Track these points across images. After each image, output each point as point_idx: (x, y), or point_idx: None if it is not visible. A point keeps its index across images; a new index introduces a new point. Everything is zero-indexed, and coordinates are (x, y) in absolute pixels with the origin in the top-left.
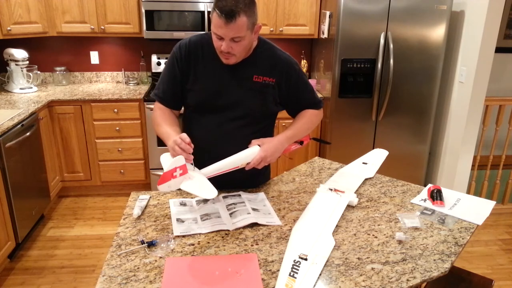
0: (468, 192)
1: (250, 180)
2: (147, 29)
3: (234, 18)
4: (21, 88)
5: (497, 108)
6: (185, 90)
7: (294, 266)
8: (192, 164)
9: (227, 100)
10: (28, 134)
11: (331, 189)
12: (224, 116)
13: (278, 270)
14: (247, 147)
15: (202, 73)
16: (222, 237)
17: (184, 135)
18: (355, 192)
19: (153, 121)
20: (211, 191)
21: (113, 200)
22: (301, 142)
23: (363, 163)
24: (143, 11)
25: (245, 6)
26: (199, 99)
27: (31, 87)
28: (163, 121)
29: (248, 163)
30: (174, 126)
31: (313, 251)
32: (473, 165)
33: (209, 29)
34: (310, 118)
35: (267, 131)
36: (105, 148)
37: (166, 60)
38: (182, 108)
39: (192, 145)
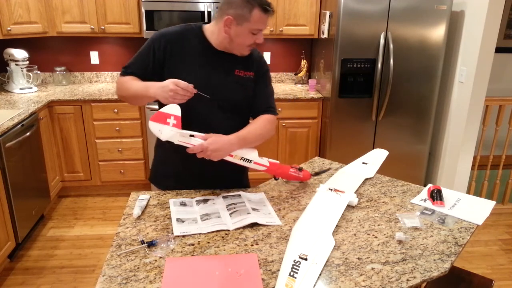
0: (468, 192)
1: (226, 177)
2: (147, 29)
3: (273, 10)
4: (21, 88)
5: (497, 108)
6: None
7: (294, 266)
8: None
9: (209, 91)
10: (28, 134)
11: (331, 189)
12: (207, 109)
13: (278, 270)
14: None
15: (185, 66)
16: (222, 237)
17: (183, 82)
18: (355, 192)
19: (120, 87)
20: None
21: (113, 200)
22: (300, 168)
23: (363, 163)
24: (143, 11)
25: None
26: None
27: (31, 87)
28: (134, 81)
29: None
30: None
31: (313, 251)
32: (473, 165)
33: None
34: (264, 124)
35: None
36: (105, 148)
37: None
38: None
39: (191, 87)
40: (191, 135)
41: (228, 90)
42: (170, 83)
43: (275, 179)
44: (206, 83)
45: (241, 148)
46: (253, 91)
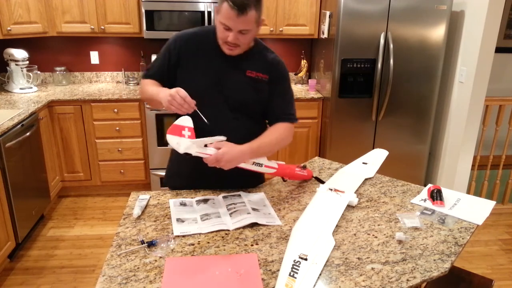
0: (468, 192)
1: (243, 180)
2: (147, 29)
3: (245, 12)
4: (21, 88)
5: (497, 108)
6: (178, 81)
7: (294, 266)
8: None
9: (220, 92)
10: (28, 134)
11: (331, 189)
12: (218, 108)
13: (278, 270)
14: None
15: (198, 66)
16: (222, 237)
17: (184, 92)
18: (355, 192)
19: (141, 89)
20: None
21: (113, 200)
22: (304, 166)
23: (363, 163)
24: (143, 11)
25: (255, 0)
26: (193, 89)
27: (31, 87)
28: (151, 85)
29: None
30: (164, 87)
31: (313, 251)
32: (473, 165)
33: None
34: (279, 133)
35: (263, 131)
36: (105, 148)
37: None
38: None
39: (193, 102)
40: (205, 145)
41: (238, 91)
42: (173, 89)
43: (284, 180)
44: (216, 83)
45: (253, 159)
46: (270, 96)
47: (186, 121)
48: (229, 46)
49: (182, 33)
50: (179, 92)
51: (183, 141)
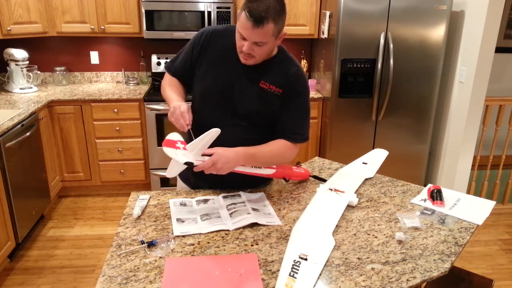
0: (468, 192)
1: (251, 181)
2: (147, 29)
3: (261, 24)
4: (21, 88)
5: (497, 108)
6: (195, 77)
7: (294, 266)
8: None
9: (229, 98)
10: (28, 134)
11: (331, 189)
12: (222, 112)
13: (278, 270)
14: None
15: (214, 64)
16: (222, 237)
17: (184, 108)
18: (355, 192)
19: (162, 87)
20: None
21: (113, 200)
22: (298, 163)
23: (363, 163)
24: (143, 11)
25: (275, 13)
26: (204, 88)
27: (31, 87)
28: (169, 86)
29: (197, 164)
30: (178, 94)
31: (313, 251)
32: (473, 165)
33: None
34: (279, 149)
35: (265, 142)
36: (105, 148)
37: (166, 60)
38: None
39: (189, 120)
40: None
41: (247, 101)
42: (178, 103)
43: (286, 181)
44: (227, 88)
45: (246, 165)
46: (280, 110)
47: (175, 137)
48: (244, 55)
49: (209, 29)
50: (181, 107)
51: (180, 151)
